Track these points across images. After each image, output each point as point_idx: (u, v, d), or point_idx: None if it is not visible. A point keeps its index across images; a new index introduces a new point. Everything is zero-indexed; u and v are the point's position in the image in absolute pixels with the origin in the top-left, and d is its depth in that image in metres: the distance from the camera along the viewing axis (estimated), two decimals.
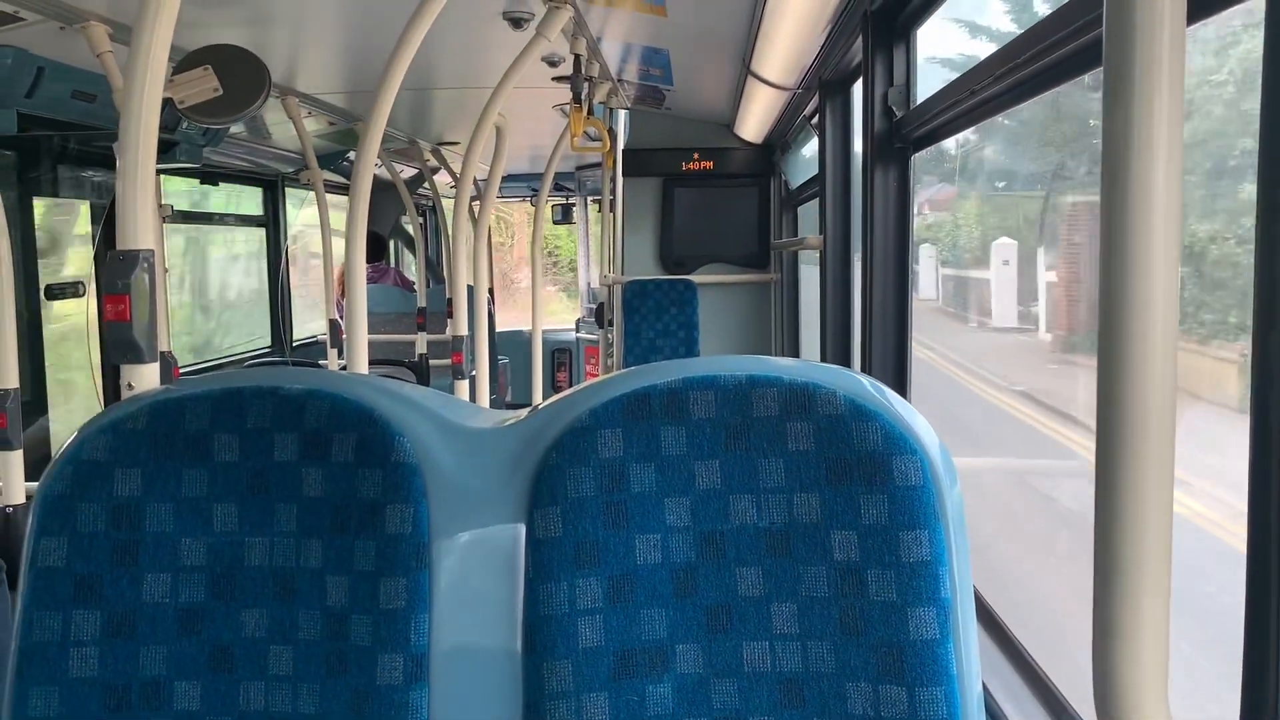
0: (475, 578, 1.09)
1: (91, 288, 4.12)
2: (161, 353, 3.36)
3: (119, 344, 1.36)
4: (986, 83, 1.74)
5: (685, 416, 1.07)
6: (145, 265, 1.36)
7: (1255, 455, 0.84)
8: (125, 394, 1.36)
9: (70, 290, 3.97)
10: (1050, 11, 1.43)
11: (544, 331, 6.26)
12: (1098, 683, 0.81)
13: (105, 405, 4.20)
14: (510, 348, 7.92)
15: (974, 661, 1.05)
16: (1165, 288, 0.75)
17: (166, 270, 4.86)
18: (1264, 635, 0.83)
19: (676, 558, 1.07)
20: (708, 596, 1.07)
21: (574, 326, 8.90)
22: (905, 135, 2.40)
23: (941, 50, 2.56)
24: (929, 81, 2.30)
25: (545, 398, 1.16)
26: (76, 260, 4.30)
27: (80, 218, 4.28)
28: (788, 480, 1.06)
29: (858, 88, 2.95)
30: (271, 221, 6.20)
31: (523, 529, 1.08)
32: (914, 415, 1.07)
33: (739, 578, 1.07)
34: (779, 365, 1.09)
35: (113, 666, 1.10)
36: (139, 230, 1.37)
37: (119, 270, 1.34)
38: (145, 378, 1.39)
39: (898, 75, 2.43)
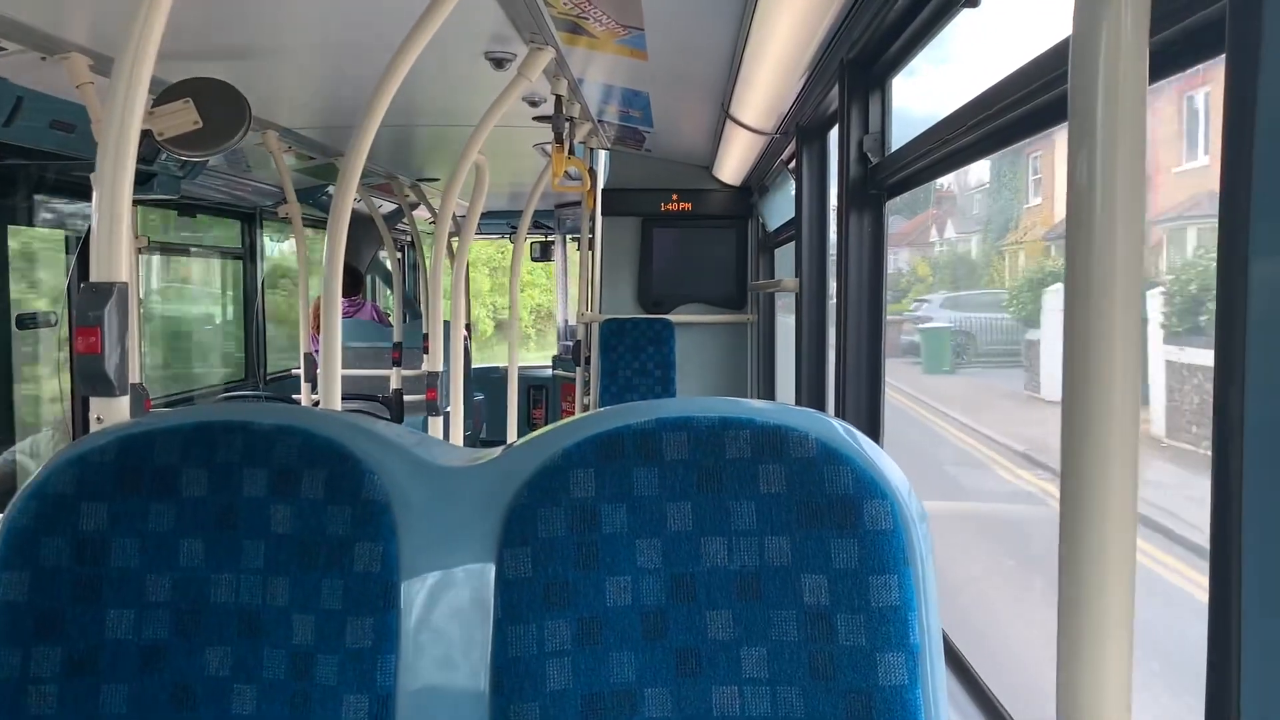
0: (444, 618, 1.08)
1: (65, 318, 4.09)
2: (133, 385, 3.34)
3: (89, 376, 1.34)
4: (959, 133, 1.77)
5: (658, 457, 1.07)
6: (118, 298, 1.35)
7: (1217, 471, 0.86)
8: (94, 427, 1.35)
9: (42, 320, 3.93)
10: (1020, 66, 1.46)
11: (520, 368, 6.25)
12: (1062, 708, 0.81)
13: (75, 438, 4.15)
14: (486, 384, 7.90)
15: (943, 707, 1.05)
16: (1128, 333, 0.77)
17: (141, 302, 4.83)
18: (1225, 643, 0.84)
19: (647, 600, 1.07)
20: (677, 639, 1.07)
21: (550, 364, 8.89)
22: (880, 182, 2.43)
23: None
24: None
25: (521, 435, 1.16)
26: (50, 290, 4.27)
27: (55, 248, 4.25)
28: (759, 523, 1.06)
29: (834, 134, 3.00)
30: (248, 254, 6.18)
31: (492, 569, 1.08)
32: (884, 459, 1.08)
33: (709, 621, 1.07)
34: (752, 407, 1.09)
35: (72, 705, 1.08)
36: (113, 263, 1.36)
37: (91, 302, 1.33)
38: (115, 411, 1.37)
39: (873, 123, 2.47)
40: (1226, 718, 0.84)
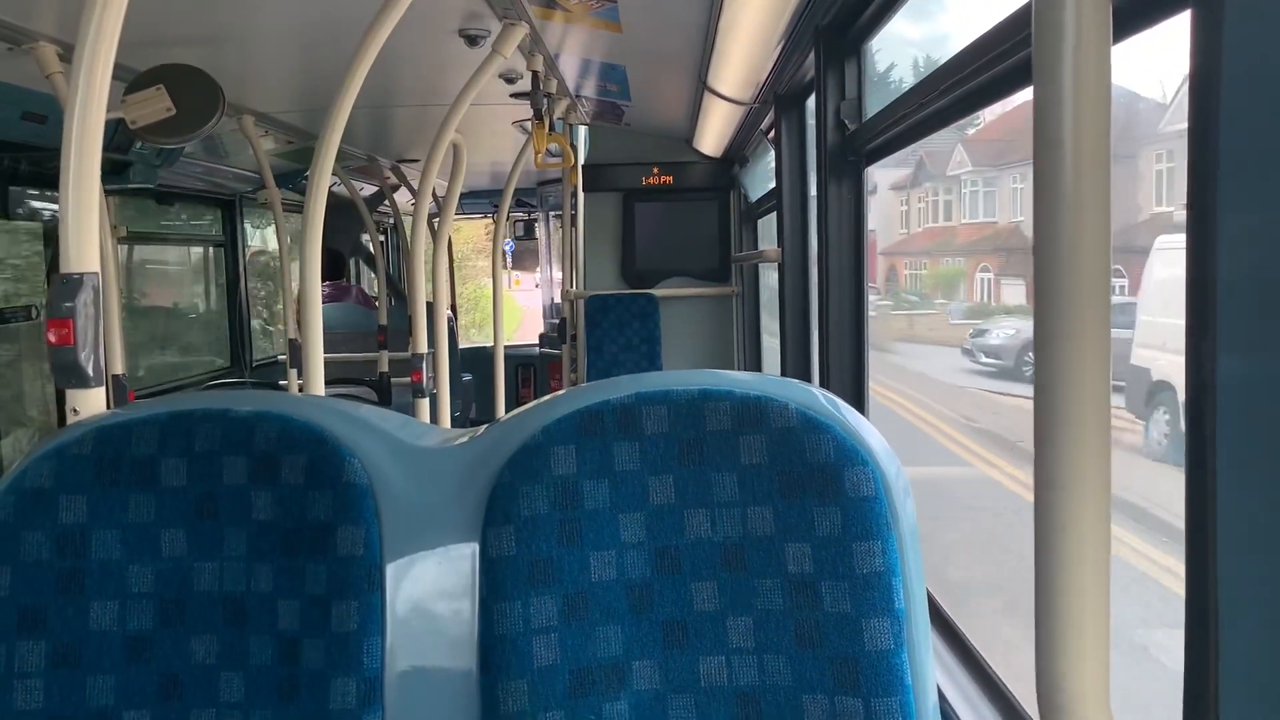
0: (429, 598, 1.08)
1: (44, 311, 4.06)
2: (115, 376, 3.32)
3: (62, 368, 1.34)
4: (933, 97, 1.76)
5: (638, 432, 1.08)
6: (90, 288, 1.34)
7: (1191, 463, 0.86)
8: (70, 419, 1.34)
9: (22, 314, 3.91)
10: (988, 29, 1.45)
11: (507, 347, 6.24)
12: (1042, 687, 0.82)
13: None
14: (474, 364, 7.89)
15: (929, 670, 1.06)
16: (1097, 297, 0.77)
17: (121, 291, 4.80)
18: (1203, 640, 0.85)
19: (632, 574, 1.08)
20: (663, 612, 1.08)
21: (538, 341, 8.88)
22: (858, 148, 2.42)
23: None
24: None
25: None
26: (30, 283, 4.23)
27: (33, 240, 4.22)
28: (741, 493, 1.07)
29: (812, 102, 2.99)
30: (229, 241, 6.14)
31: (476, 548, 1.08)
32: (866, 427, 1.08)
33: (694, 592, 1.07)
34: (731, 379, 1.10)
35: (59, 697, 1.08)
36: (83, 253, 1.35)
37: (63, 293, 1.32)
38: (91, 402, 1.37)
39: (849, 89, 2.46)
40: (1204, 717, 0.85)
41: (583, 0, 2.78)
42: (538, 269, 9.78)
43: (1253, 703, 0.80)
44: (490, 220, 8.96)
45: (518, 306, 17.48)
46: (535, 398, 1.13)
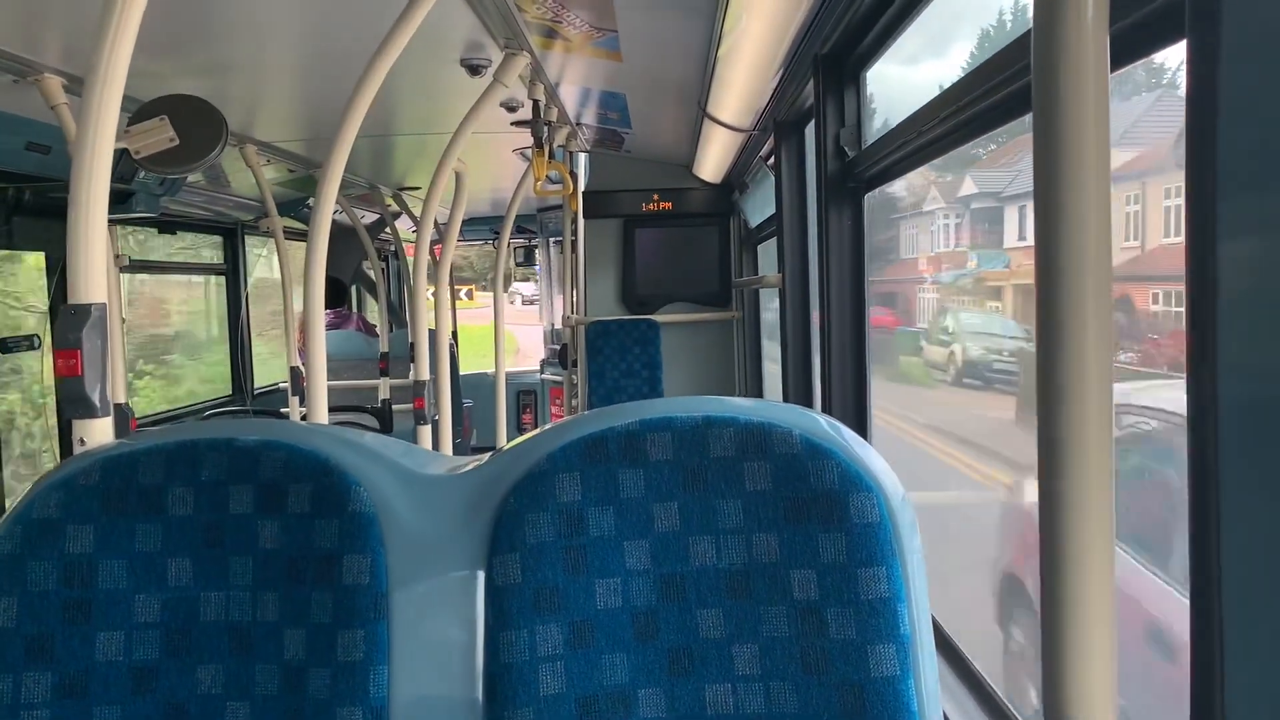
0: (435, 627, 1.08)
1: (48, 341, 4.07)
2: (118, 405, 3.32)
3: (70, 399, 1.34)
4: (933, 124, 1.78)
5: (643, 459, 1.08)
6: (97, 319, 1.35)
7: (1194, 476, 0.86)
8: (77, 449, 1.34)
9: (25, 344, 3.92)
10: (988, 57, 1.47)
11: (508, 373, 6.25)
12: (1047, 700, 0.82)
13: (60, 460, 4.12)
14: (475, 390, 7.90)
15: (934, 695, 1.06)
16: (1099, 321, 0.78)
17: (124, 321, 4.81)
18: (1208, 647, 0.85)
19: (637, 601, 1.07)
20: (669, 639, 1.07)
21: (539, 368, 8.89)
22: (858, 175, 2.44)
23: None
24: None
25: (511, 440, 1.17)
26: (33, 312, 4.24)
27: (36, 270, 4.23)
28: (746, 520, 1.07)
29: (811, 128, 3.01)
30: (231, 270, 6.16)
31: (482, 576, 1.08)
32: (870, 453, 1.08)
33: (700, 620, 1.07)
34: (735, 405, 1.10)
35: None
36: (91, 283, 1.36)
37: (70, 324, 1.33)
38: (98, 432, 1.37)
39: (849, 116, 2.48)
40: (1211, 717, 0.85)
41: (584, 30, 2.81)
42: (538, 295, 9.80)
43: (1259, 709, 0.80)
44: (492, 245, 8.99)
45: (515, 341, 17.17)
46: (536, 424, 1.13)
